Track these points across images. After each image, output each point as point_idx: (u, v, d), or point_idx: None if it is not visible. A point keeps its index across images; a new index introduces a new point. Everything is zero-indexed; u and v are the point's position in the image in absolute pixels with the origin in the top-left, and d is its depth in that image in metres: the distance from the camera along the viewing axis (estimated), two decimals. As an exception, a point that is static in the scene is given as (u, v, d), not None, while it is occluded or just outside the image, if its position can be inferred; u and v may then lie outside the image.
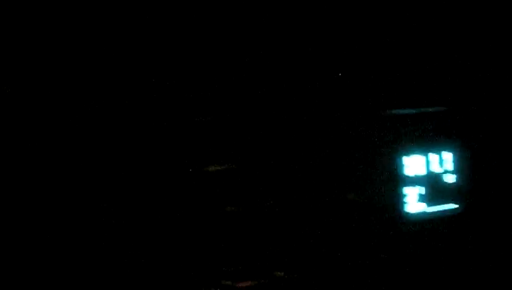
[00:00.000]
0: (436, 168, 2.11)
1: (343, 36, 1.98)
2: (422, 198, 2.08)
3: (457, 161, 2.14)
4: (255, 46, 1.89)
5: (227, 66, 1.86)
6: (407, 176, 2.06)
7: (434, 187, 2.10)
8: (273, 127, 1.90)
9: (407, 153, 2.06)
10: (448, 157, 2.13)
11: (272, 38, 1.89)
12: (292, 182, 1.91)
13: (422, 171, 2.09)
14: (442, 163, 2.12)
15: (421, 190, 2.08)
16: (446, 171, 2.13)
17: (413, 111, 2.09)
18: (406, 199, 2.06)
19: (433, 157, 2.11)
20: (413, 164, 2.07)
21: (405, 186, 2.05)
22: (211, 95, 1.83)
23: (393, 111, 2.06)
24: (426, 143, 2.10)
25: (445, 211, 2.12)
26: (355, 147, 1.99)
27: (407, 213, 2.05)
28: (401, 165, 2.05)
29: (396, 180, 2.05)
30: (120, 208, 1.70)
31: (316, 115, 1.95)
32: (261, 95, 1.89)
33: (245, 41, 1.87)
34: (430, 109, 2.12)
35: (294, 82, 1.93)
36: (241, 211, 1.86)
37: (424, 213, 2.08)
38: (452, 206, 2.13)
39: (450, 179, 2.13)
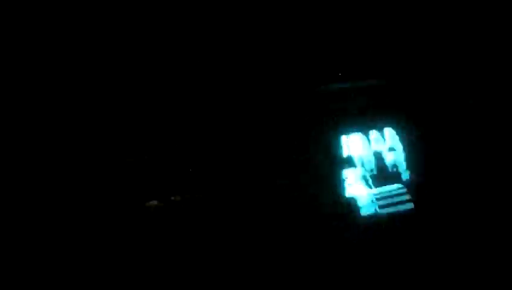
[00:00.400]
0: (377, 147, 1.96)
1: (276, 11, 1.80)
2: (364, 180, 1.93)
3: (399, 138, 1.98)
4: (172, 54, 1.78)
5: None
6: (347, 157, 1.91)
7: (377, 168, 1.95)
8: (204, 108, 1.75)
9: (346, 133, 1.90)
10: (389, 134, 1.97)
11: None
12: (222, 168, 1.76)
13: (362, 151, 1.94)
14: (384, 141, 1.97)
15: (363, 171, 1.94)
16: (388, 150, 1.98)
17: (350, 85, 1.92)
18: (346, 182, 1.91)
19: (373, 135, 1.95)
20: (352, 144, 1.91)
21: (345, 168, 1.90)
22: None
23: (329, 86, 1.89)
24: (366, 120, 1.94)
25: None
26: (288, 127, 1.83)
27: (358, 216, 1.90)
28: (340, 146, 1.89)
29: (335, 162, 1.89)
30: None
31: (247, 93, 1.79)
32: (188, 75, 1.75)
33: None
34: (370, 83, 1.95)
35: (226, 57, 1.77)
36: (163, 205, 1.72)
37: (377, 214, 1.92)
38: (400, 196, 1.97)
39: (393, 157, 1.99)
